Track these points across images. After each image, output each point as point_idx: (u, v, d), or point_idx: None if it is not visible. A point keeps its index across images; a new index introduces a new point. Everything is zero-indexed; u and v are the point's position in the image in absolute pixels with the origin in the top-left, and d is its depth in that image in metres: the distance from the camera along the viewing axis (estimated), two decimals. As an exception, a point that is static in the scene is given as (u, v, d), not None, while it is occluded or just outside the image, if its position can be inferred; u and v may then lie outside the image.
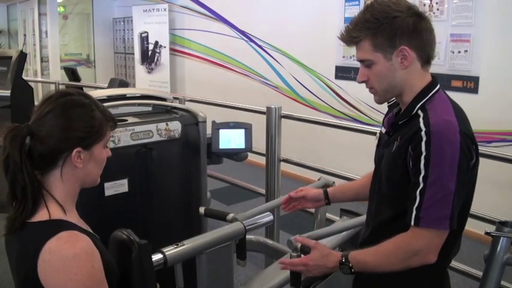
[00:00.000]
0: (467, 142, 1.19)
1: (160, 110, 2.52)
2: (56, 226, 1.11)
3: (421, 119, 1.22)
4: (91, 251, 1.10)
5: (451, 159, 1.17)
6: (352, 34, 1.28)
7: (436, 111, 1.23)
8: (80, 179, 1.21)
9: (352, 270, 1.29)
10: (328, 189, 1.71)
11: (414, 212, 1.20)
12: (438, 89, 1.29)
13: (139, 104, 2.50)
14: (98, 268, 1.11)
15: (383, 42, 1.24)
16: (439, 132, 1.18)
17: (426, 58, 1.28)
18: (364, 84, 1.35)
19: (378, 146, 1.47)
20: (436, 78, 1.31)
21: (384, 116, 1.52)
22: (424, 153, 1.18)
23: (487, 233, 1.62)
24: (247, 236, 1.76)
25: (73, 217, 1.19)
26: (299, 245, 1.47)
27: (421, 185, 1.18)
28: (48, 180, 1.17)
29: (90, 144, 1.18)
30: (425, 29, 1.25)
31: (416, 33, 1.24)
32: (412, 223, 1.20)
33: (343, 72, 4.95)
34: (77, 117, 1.17)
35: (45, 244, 1.07)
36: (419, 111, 1.25)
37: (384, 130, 1.44)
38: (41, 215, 1.13)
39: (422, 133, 1.19)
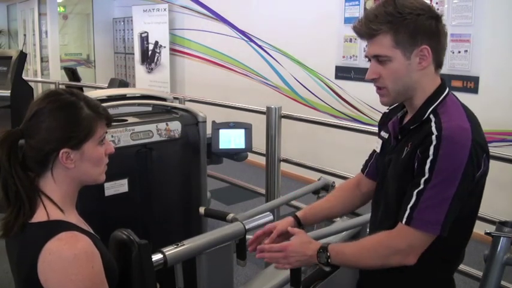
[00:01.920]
0: (477, 151, 1.16)
1: (160, 110, 2.52)
2: (56, 227, 1.10)
3: (433, 124, 1.19)
4: (91, 251, 1.10)
5: (457, 166, 1.14)
6: (371, 26, 1.19)
7: (449, 116, 1.19)
8: (76, 179, 1.19)
9: (329, 260, 1.26)
10: (298, 214, 1.55)
11: (408, 211, 1.18)
12: (448, 92, 1.26)
13: (139, 104, 2.50)
14: (98, 269, 1.10)
15: (405, 38, 1.18)
16: (450, 138, 1.14)
17: (440, 61, 1.25)
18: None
19: (381, 152, 1.41)
20: (445, 81, 1.28)
21: (380, 119, 1.48)
22: (430, 157, 1.15)
23: (487, 233, 1.61)
24: (247, 236, 1.76)
25: (72, 217, 1.19)
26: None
27: (421, 186, 1.16)
28: (43, 182, 1.17)
29: (78, 143, 1.15)
30: (443, 33, 1.22)
31: (437, 35, 1.21)
32: (404, 221, 1.18)
33: (343, 72, 4.95)
34: (60, 117, 1.14)
35: (45, 245, 1.06)
36: (431, 116, 1.22)
37: (385, 135, 1.39)
38: (40, 216, 1.12)
39: (433, 137, 1.16)
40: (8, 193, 1.13)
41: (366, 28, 1.21)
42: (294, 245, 1.32)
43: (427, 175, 1.16)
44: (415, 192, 1.17)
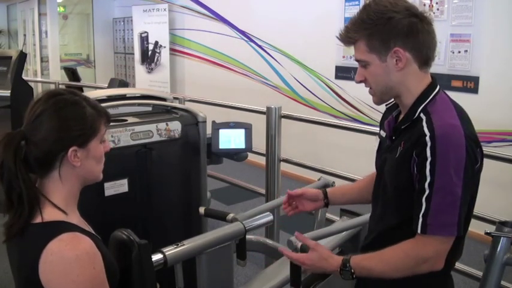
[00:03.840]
0: (472, 146, 1.18)
1: (160, 110, 2.52)
2: (57, 228, 1.10)
3: (424, 123, 1.20)
4: (93, 252, 1.10)
5: (457, 164, 1.15)
6: (348, 35, 1.27)
7: (439, 115, 1.21)
8: (80, 178, 1.20)
9: (354, 276, 1.26)
10: (328, 190, 1.64)
11: (421, 219, 1.17)
12: (438, 90, 1.28)
13: (139, 104, 2.50)
14: (99, 270, 1.10)
15: (377, 43, 1.22)
16: (444, 137, 1.15)
17: (424, 60, 1.25)
18: (363, 84, 1.34)
19: (378, 150, 1.43)
20: (435, 80, 1.30)
21: (381, 118, 1.50)
22: (429, 159, 1.15)
23: (487, 233, 1.62)
24: (247, 236, 1.76)
25: (74, 218, 1.19)
26: (299, 245, 1.47)
27: (427, 192, 1.16)
28: (47, 183, 1.16)
29: (85, 141, 1.17)
30: (422, 30, 1.22)
31: (411, 35, 1.21)
32: (419, 231, 1.18)
33: (343, 72, 4.95)
34: (68, 116, 1.15)
35: (46, 246, 1.06)
36: (422, 115, 1.23)
37: (383, 134, 1.41)
38: (42, 217, 1.12)
39: (427, 138, 1.16)
40: (12, 195, 1.12)
41: (345, 37, 1.28)
42: (312, 259, 1.32)
43: (429, 178, 1.16)
44: (423, 199, 1.17)
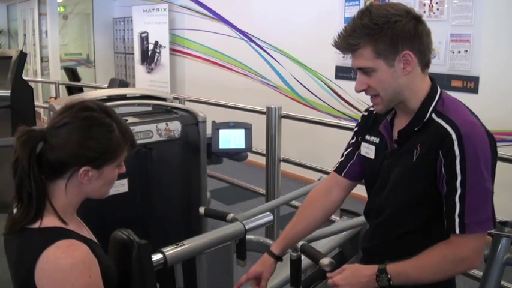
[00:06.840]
0: (492, 140, 1.21)
1: (160, 110, 2.52)
2: (54, 234, 1.09)
3: (443, 123, 1.20)
4: (89, 260, 1.09)
5: (485, 159, 1.17)
6: (350, 41, 1.21)
7: (455, 113, 1.21)
8: (85, 193, 1.19)
9: (391, 282, 1.22)
10: (275, 251, 1.49)
11: (457, 220, 1.16)
12: (441, 90, 1.28)
13: (139, 104, 2.50)
14: (95, 278, 1.09)
15: (385, 48, 1.19)
16: (470, 135, 1.16)
17: (426, 62, 1.25)
18: None
19: (376, 158, 1.37)
20: (435, 80, 1.29)
21: (362, 124, 1.44)
22: (458, 157, 1.15)
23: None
24: (247, 236, 1.76)
25: (72, 224, 1.17)
26: (299, 245, 1.47)
27: (459, 190, 1.16)
28: (52, 188, 1.15)
29: (101, 164, 1.15)
30: (424, 33, 1.22)
31: (417, 38, 1.20)
32: (458, 231, 1.17)
33: (343, 72, 4.95)
34: (92, 136, 1.13)
35: (42, 252, 1.05)
36: (434, 116, 1.23)
37: (375, 139, 1.37)
38: (41, 222, 1.11)
39: (454, 137, 1.16)
40: (22, 193, 1.11)
41: (345, 44, 1.22)
42: (346, 277, 1.26)
43: (460, 177, 1.16)
44: (457, 198, 1.17)
